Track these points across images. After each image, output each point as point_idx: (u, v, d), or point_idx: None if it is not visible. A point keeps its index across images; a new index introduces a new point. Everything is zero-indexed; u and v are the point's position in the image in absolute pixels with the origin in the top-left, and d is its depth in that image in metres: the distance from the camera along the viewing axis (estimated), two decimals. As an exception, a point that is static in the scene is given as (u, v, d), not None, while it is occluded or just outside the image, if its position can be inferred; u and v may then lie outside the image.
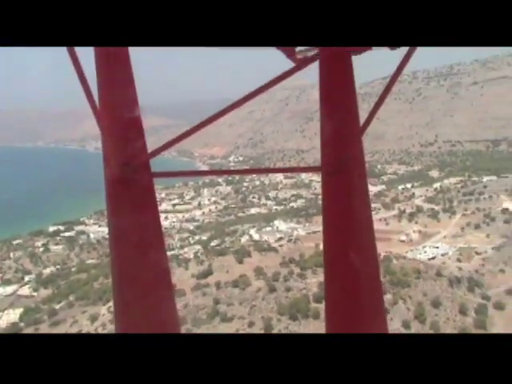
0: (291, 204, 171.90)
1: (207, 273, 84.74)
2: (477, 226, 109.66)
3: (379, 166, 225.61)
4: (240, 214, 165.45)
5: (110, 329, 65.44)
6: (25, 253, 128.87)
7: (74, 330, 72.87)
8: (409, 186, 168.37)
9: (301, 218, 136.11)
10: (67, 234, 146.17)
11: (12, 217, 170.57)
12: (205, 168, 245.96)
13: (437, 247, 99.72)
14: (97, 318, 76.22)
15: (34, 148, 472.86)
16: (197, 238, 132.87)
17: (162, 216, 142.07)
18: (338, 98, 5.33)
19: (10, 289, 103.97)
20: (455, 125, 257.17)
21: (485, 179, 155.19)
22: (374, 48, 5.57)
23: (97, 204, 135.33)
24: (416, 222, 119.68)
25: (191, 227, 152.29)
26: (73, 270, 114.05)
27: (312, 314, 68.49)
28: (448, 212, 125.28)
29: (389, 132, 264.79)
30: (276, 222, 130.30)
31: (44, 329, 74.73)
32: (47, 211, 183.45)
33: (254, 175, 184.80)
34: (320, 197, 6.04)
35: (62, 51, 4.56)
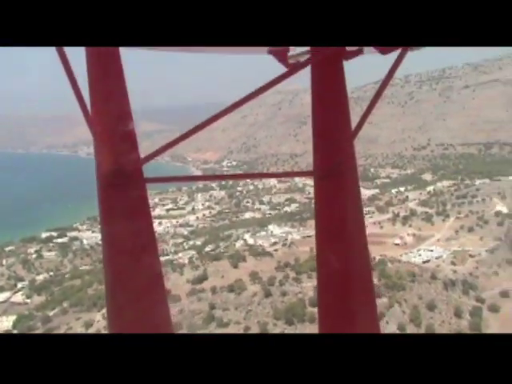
0: (285, 208, 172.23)
1: (202, 278, 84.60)
2: (470, 229, 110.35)
3: (372, 170, 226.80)
4: (234, 219, 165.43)
5: (105, 335, 64.89)
6: (17, 259, 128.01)
7: (67, 337, 72.32)
8: (402, 189, 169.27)
9: (295, 222, 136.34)
10: (60, 240, 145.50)
11: (4, 223, 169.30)
12: (198, 173, 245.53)
13: (431, 250, 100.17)
14: (91, 325, 75.73)
15: (27, 154, 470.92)
16: (191, 243, 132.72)
17: (156, 221, 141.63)
18: (329, 102, 5.35)
19: (2, 296, 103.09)
20: (447, 128, 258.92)
21: (477, 182, 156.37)
22: (365, 52, 5.60)
23: (90, 210, 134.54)
24: (410, 226, 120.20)
25: (185, 232, 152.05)
26: (66, 276, 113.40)
27: (308, 318, 68.50)
28: (441, 215, 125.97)
29: (382, 136, 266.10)
30: (270, 227, 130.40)
31: (37, 336, 74.17)
32: (40, 217, 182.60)
33: (248, 180, 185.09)
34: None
35: (53, 55, 4.53)
